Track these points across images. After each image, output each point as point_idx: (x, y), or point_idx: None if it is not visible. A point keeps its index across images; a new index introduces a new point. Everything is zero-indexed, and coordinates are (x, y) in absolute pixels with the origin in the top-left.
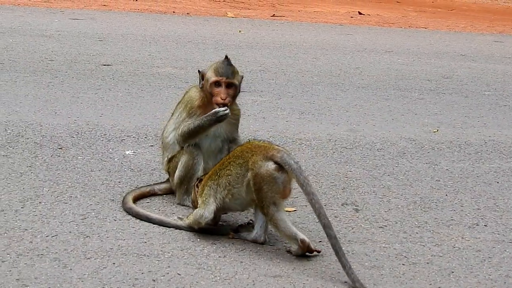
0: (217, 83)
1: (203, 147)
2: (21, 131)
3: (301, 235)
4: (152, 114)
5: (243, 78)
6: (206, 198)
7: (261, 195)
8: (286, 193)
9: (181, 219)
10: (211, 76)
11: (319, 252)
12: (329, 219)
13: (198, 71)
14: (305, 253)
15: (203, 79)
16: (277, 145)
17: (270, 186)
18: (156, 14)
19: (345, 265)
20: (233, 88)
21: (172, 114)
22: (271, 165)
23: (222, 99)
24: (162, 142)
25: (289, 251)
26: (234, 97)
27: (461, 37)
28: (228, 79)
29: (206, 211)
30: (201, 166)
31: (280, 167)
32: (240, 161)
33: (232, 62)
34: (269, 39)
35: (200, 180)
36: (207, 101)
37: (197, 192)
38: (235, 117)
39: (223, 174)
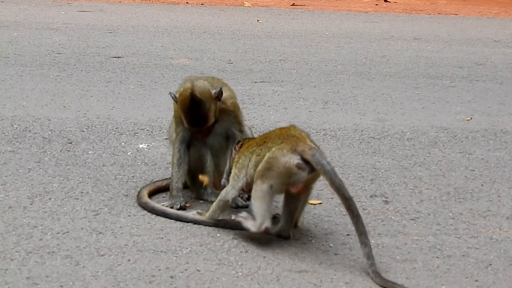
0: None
1: (208, 143)
2: (29, 125)
3: (268, 224)
4: (167, 106)
5: (220, 92)
6: (238, 171)
7: (265, 172)
8: (292, 190)
9: (200, 213)
10: (184, 123)
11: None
12: (366, 228)
13: (170, 93)
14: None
15: (175, 101)
16: (311, 141)
17: (281, 175)
18: (169, 5)
19: (375, 273)
20: (210, 127)
21: None
22: (295, 160)
23: (202, 137)
24: (169, 139)
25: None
26: (213, 126)
27: (494, 23)
28: (201, 128)
29: (233, 188)
30: (209, 156)
31: (305, 164)
32: (270, 145)
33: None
34: (289, 28)
35: (239, 142)
36: None
37: (234, 154)
38: (227, 112)
39: (255, 152)
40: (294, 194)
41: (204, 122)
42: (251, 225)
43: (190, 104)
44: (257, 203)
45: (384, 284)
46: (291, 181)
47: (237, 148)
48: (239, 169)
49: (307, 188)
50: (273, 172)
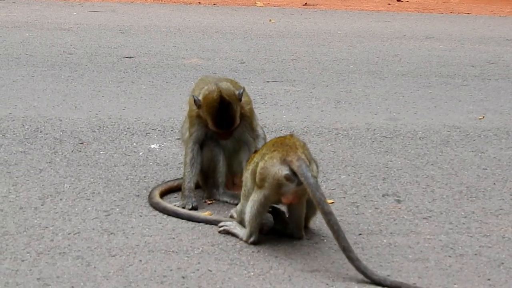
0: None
1: (221, 143)
2: (40, 126)
3: (256, 238)
4: (178, 106)
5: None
6: (244, 188)
7: (259, 183)
8: (283, 200)
9: (236, 235)
10: (211, 124)
11: None
12: (349, 242)
13: (192, 96)
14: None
15: (198, 105)
16: (304, 151)
17: (271, 186)
18: (181, 5)
19: (380, 282)
20: (235, 128)
21: None
22: (283, 171)
23: (226, 139)
24: (181, 138)
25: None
26: (236, 127)
27: (507, 22)
28: (230, 129)
29: (243, 203)
30: (221, 156)
31: (293, 176)
32: (264, 151)
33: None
34: (301, 27)
35: (255, 152)
36: None
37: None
38: (244, 117)
39: (253, 161)
40: (286, 204)
41: (232, 123)
42: (240, 233)
43: (219, 107)
44: (250, 212)
45: (393, 286)
46: (281, 192)
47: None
48: (244, 185)
49: (299, 199)
50: (266, 182)
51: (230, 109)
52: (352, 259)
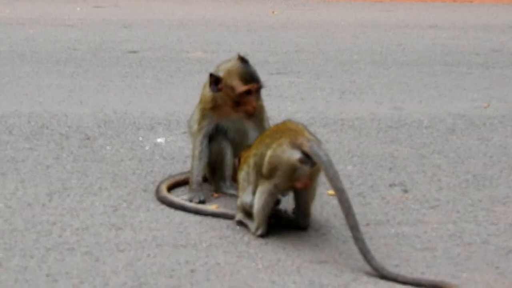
0: (248, 92)
1: (229, 137)
2: (46, 122)
3: (263, 231)
4: (183, 100)
5: None
6: (241, 182)
7: (270, 173)
8: (297, 185)
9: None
10: (239, 85)
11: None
12: (358, 222)
13: (210, 74)
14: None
15: (216, 83)
16: (309, 132)
17: (285, 173)
18: None
19: (377, 269)
20: (260, 91)
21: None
22: (296, 155)
23: (254, 108)
24: (189, 131)
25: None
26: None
27: (510, 9)
28: (259, 83)
29: (244, 196)
30: (229, 150)
31: (306, 158)
32: (268, 141)
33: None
34: (304, 19)
35: (239, 158)
36: (222, 102)
37: (237, 168)
38: (257, 114)
39: (252, 154)
40: (300, 189)
41: (259, 76)
42: (250, 225)
43: (244, 62)
44: (258, 203)
45: (390, 277)
46: (295, 177)
47: (236, 163)
48: (242, 181)
49: (311, 181)
50: (278, 171)
51: (252, 66)
52: (358, 239)
